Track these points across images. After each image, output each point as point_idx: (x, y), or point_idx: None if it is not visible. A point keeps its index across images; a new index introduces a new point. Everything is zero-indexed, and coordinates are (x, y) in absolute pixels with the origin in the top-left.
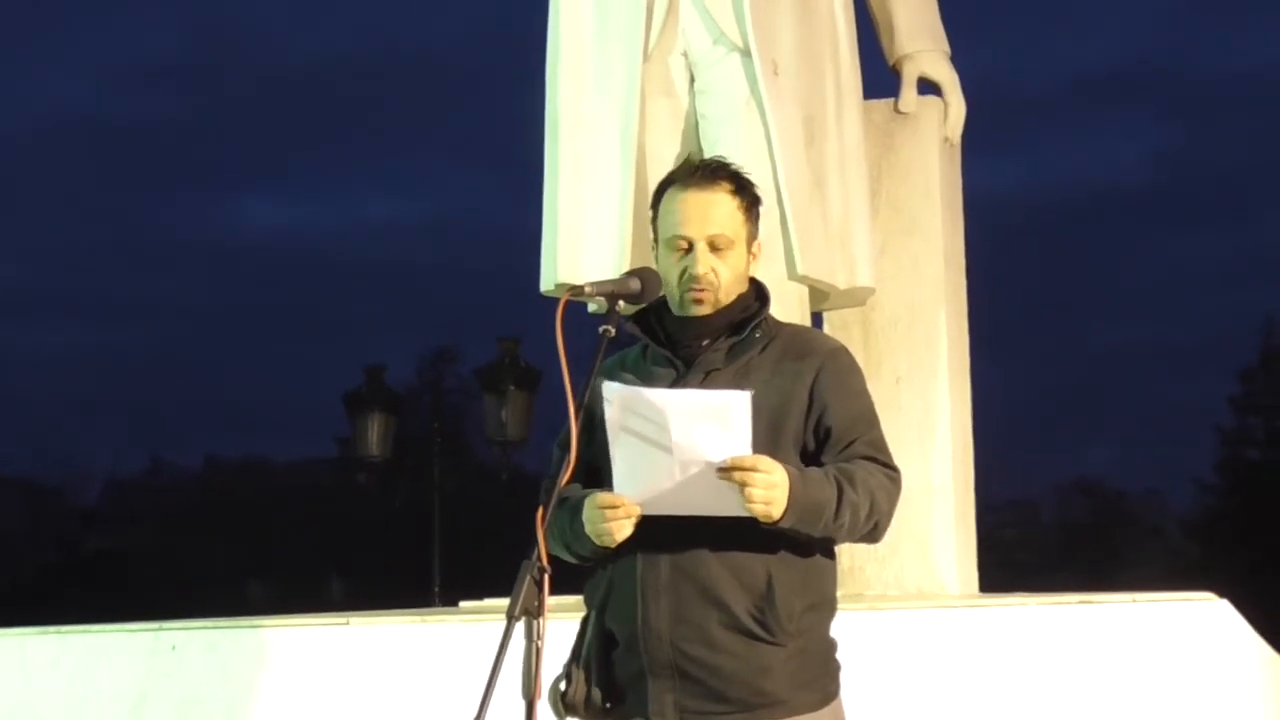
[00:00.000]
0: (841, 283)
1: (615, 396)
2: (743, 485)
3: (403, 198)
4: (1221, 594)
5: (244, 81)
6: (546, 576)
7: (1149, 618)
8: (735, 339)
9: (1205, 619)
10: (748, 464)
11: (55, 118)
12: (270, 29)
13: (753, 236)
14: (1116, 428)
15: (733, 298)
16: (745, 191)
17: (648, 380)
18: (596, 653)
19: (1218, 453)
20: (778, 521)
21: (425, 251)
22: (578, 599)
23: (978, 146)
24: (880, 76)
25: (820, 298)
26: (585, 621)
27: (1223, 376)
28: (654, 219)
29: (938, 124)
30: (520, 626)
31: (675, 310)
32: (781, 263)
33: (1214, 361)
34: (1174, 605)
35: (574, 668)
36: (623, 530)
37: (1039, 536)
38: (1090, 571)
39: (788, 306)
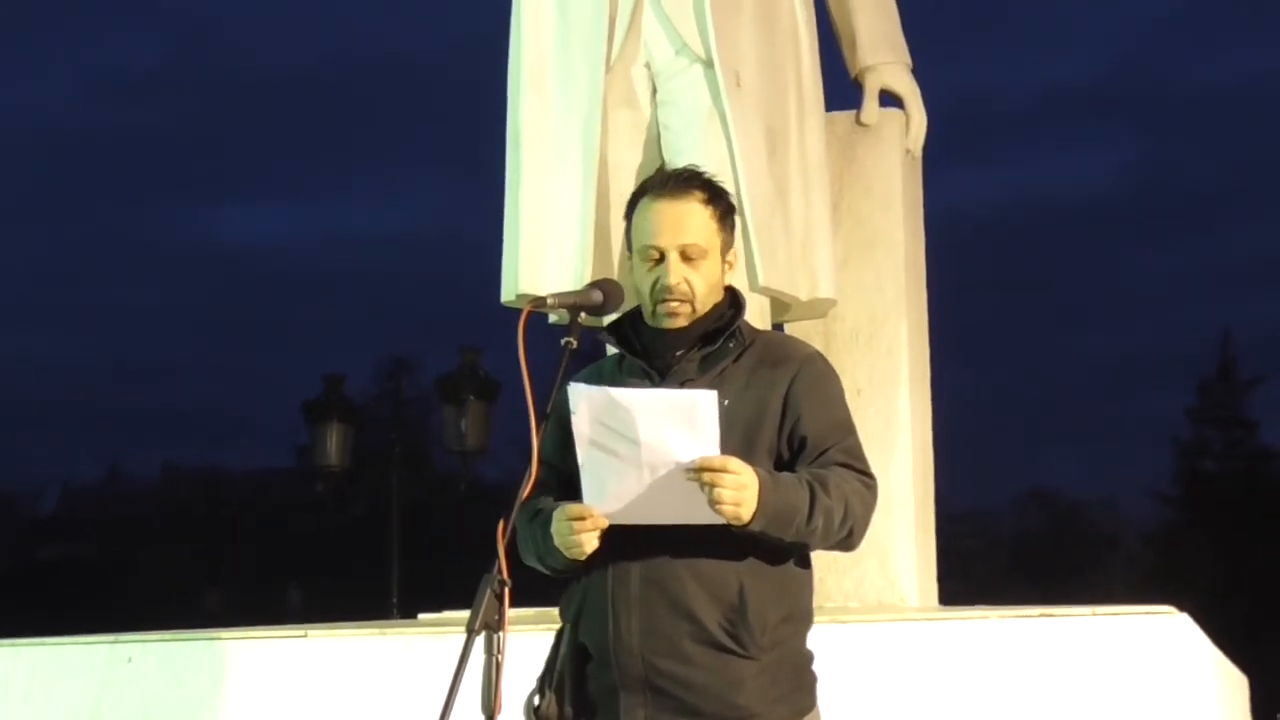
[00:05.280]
0: (803, 294)
1: (582, 399)
2: (711, 486)
3: (364, 209)
4: (1177, 605)
5: (207, 94)
6: (507, 590)
7: (1109, 631)
8: (708, 349)
9: (1165, 632)
10: (716, 464)
11: (21, 126)
12: (240, 42)
13: (728, 245)
14: (1074, 438)
15: (708, 307)
16: (719, 200)
17: None
18: (570, 666)
19: (1175, 464)
20: (747, 524)
21: (386, 262)
22: (538, 612)
23: (948, 159)
24: (842, 88)
25: (781, 309)
26: (560, 634)
27: (1181, 388)
28: (627, 230)
29: (899, 136)
30: (480, 640)
31: (649, 321)
32: (743, 274)
33: (1172, 373)
34: (1134, 619)
35: (547, 680)
36: (590, 542)
37: (996, 547)
38: (1047, 582)
39: (749, 318)
